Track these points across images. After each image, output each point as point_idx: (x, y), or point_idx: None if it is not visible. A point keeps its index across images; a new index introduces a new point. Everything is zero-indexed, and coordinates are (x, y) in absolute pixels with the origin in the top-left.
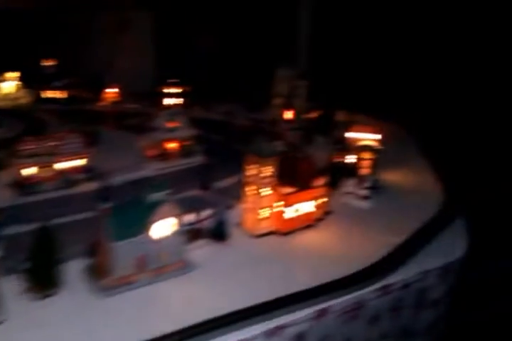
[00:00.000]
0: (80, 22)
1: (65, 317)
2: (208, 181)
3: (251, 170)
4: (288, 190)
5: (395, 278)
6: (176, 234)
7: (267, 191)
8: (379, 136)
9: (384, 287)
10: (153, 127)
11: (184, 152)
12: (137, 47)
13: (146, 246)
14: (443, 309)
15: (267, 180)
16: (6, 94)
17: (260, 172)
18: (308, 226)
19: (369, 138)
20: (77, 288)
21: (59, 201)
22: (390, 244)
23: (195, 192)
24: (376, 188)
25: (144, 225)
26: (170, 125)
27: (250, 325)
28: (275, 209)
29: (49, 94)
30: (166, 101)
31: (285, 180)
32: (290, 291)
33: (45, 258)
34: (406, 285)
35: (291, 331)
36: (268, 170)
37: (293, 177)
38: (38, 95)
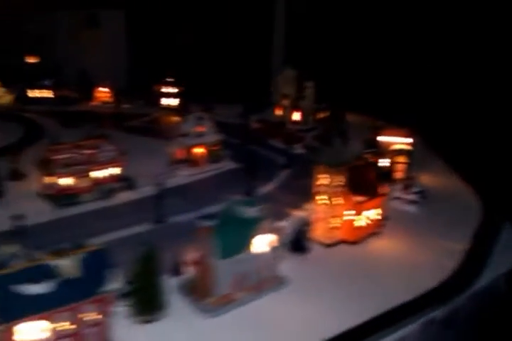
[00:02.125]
0: (48, 21)
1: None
2: (250, 187)
3: (322, 180)
4: (359, 198)
5: (481, 284)
6: (274, 249)
7: (338, 200)
8: (411, 140)
9: (475, 294)
10: (181, 132)
11: (212, 157)
12: (110, 45)
13: (247, 262)
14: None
15: (338, 190)
16: None
17: (332, 181)
18: (372, 234)
19: (402, 141)
20: (179, 310)
21: (100, 213)
22: (456, 251)
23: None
24: (421, 193)
25: (247, 242)
26: (198, 130)
27: None
28: (346, 218)
29: (37, 93)
30: (164, 101)
31: (354, 189)
32: (388, 306)
33: (149, 281)
34: (489, 290)
35: None
36: (339, 180)
37: (361, 185)
38: (21, 94)
